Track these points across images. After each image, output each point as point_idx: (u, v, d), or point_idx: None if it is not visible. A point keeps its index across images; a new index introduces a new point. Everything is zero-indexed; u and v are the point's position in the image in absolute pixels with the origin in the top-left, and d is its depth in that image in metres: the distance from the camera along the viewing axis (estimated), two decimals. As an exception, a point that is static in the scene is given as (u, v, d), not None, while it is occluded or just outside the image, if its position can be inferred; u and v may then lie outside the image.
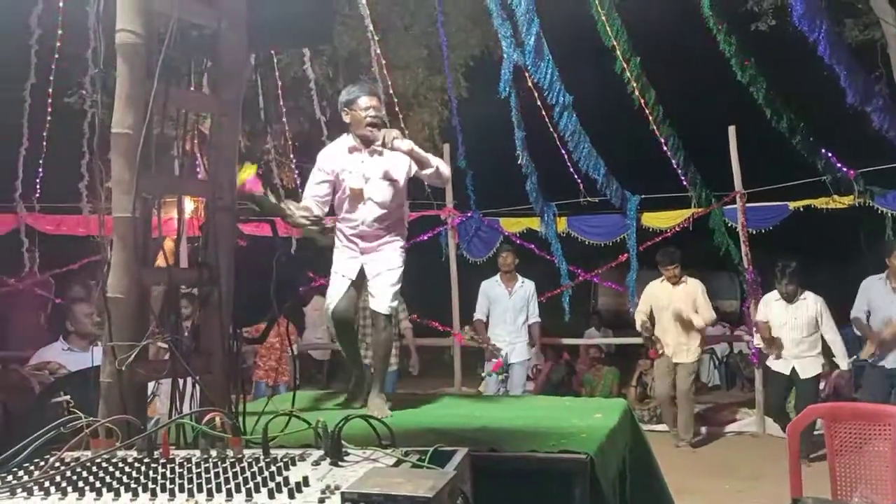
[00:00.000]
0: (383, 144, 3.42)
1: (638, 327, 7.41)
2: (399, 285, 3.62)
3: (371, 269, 3.60)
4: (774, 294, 6.76)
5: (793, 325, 6.55)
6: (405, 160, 3.59)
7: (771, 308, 6.74)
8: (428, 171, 3.58)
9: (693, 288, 7.22)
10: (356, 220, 3.59)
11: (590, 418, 3.31)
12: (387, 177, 3.59)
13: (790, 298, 6.58)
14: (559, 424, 3.16)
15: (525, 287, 7.48)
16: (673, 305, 7.15)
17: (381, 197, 3.58)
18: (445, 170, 3.69)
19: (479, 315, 7.67)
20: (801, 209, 8.18)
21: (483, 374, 7.49)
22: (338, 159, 3.62)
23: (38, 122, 8.29)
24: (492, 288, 7.54)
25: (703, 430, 7.70)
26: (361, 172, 3.57)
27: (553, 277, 9.27)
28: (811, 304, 6.55)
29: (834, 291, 6.85)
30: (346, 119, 3.63)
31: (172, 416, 2.26)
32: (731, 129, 8.02)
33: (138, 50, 2.28)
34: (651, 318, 7.35)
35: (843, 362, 6.56)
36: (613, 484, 3.01)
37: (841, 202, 7.87)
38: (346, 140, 3.65)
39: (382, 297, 3.57)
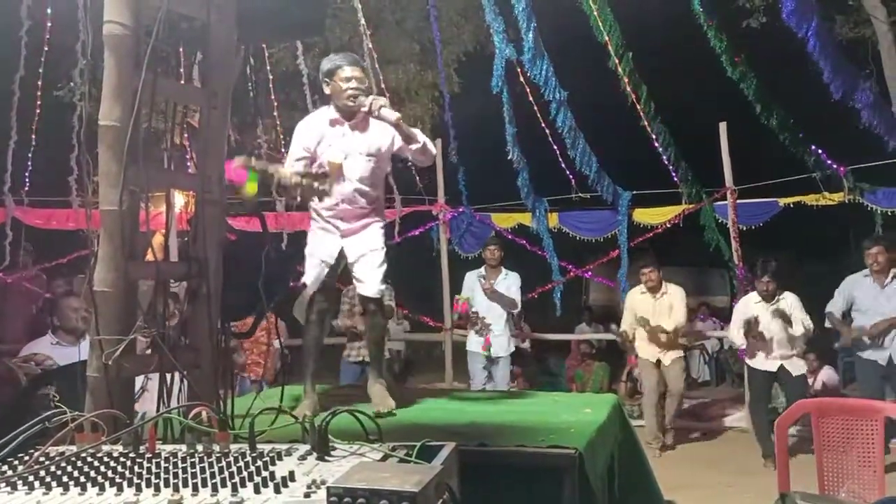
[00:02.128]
0: (369, 111, 3.27)
1: (619, 338, 7.49)
2: (385, 266, 3.46)
3: (352, 252, 3.45)
4: (754, 296, 6.69)
5: (777, 322, 6.49)
6: (389, 135, 3.43)
7: (750, 309, 6.64)
8: (414, 147, 3.41)
9: (672, 298, 7.13)
10: (335, 197, 3.37)
11: (579, 413, 3.32)
12: (368, 153, 3.42)
13: (769, 297, 6.52)
14: (548, 419, 3.17)
15: (508, 279, 7.38)
16: (654, 320, 7.06)
17: (360, 173, 3.40)
18: (432, 147, 3.53)
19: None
20: (792, 206, 8.21)
21: (472, 349, 7.46)
22: (317, 131, 3.43)
23: (28, 116, 8.24)
24: (475, 279, 7.50)
25: (693, 424, 7.73)
26: (341, 147, 3.39)
27: (544, 273, 9.28)
28: (790, 301, 6.51)
29: (823, 288, 6.87)
30: (327, 90, 3.43)
31: (160, 410, 2.25)
32: (722, 126, 8.03)
33: (126, 41, 2.26)
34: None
35: (799, 330, 6.41)
36: (602, 479, 3.02)
37: (831, 199, 7.89)
38: (328, 112, 3.46)
39: (370, 280, 3.43)
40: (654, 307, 7.12)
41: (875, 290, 6.30)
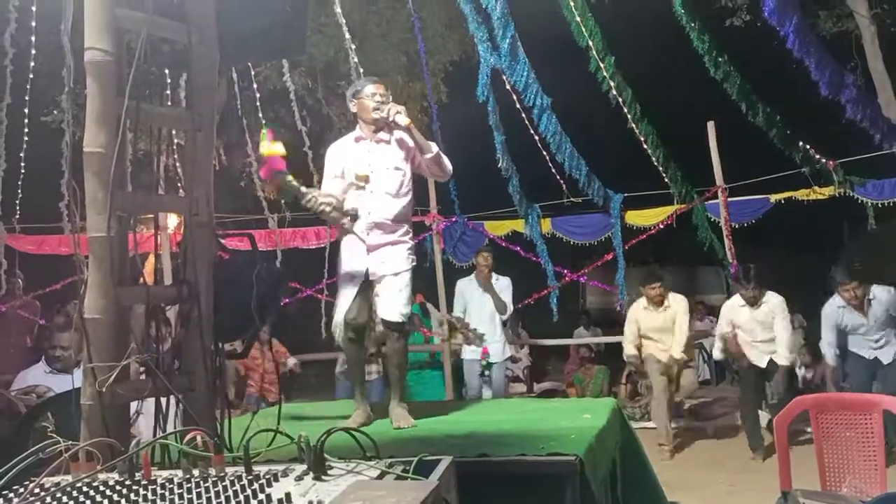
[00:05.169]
0: (387, 117, 3.49)
1: (626, 357, 7.36)
2: (408, 289, 3.55)
3: (376, 273, 3.51)
4: (738, 299, 6.65)
5: (762, 325, 6.52)
6: (409, 145, 3.61)
7: (737, 312, 6.64)
8: (428, 156, 3.63)
9: (675, 311, 7.02)
10: (362, 211, 3.54)
11: (578, 419, 3.32)
12: (393, 165, 3.58)
13: (754, 302, 6.49)
14: (547, 426, 3.17)
15: (498, 283, 7.36)
16: (659, 333, 7.02)
17: (387, 186, 3.55)
18: (447, 161, 3.73)
19: (456, 312, 7.60)
20: (783, 201, 8.25)
21: (468, 357, 7.45)
22: (343, 150, 3.66)
23: (16, 142, 8.22)
24: (466, 286, 7.47)
25: (695, 424, 7.73)
26: (367, 161, 3.57)
27: (540, 279, 9.28)
28: (773, 305, 6.47)
29: (817, 282, 6.89)
30: (354, 109, 3.68)
31: (156, 436, 2.24)
32: (710, 125, 8.07)
33: (108, 67, 2.26)
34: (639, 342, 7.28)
35: (785, 357, 6.44)
36: (604, 484, 3.02)
37: (821, 193, 7.94)
38: (354, 132, 3.70)
39: (392, 304, 3.48)
40: (658, 320, 7.03)
41: (859, 317, 6.07)
